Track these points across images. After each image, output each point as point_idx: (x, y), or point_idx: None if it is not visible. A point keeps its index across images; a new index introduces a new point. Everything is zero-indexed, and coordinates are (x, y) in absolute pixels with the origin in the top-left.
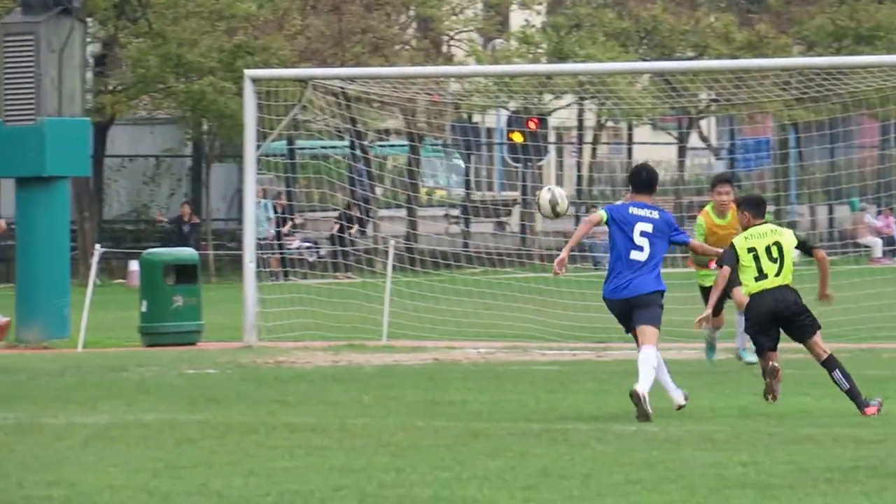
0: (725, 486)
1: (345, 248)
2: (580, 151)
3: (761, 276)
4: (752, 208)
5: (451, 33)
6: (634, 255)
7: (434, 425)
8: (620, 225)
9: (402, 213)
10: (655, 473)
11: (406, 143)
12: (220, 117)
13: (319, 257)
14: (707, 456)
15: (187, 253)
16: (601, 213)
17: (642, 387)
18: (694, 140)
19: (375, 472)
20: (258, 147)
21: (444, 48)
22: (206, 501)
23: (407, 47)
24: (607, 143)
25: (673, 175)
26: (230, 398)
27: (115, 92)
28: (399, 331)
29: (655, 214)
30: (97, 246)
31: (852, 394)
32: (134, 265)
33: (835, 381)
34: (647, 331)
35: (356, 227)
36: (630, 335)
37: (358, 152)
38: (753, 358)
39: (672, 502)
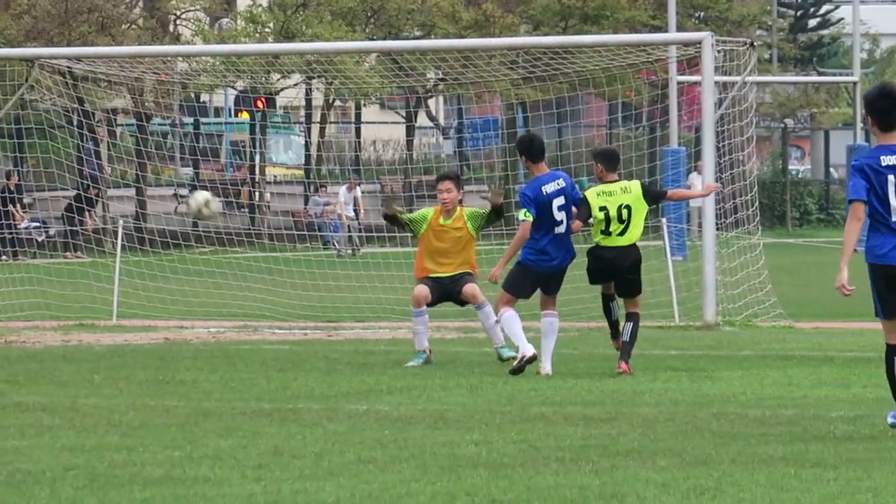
0: (458, 465)
1: (73, 228)
2: (308, 131)
3: (607, 232)
4: (605, 161)
5: (178, 13)
6: (558, 229)
7: (165, 404)
8: (540, 209)
9: (131, 192)
10: (387, 452)
11: (133, 122)
12: None
13: (48, 237)
14: (439, 435)
15: None
16: (526, 218)
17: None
18: (422, 119)
19: (106, 451)
20: None
21: (171, 27)
22: None
23: (134, 26)
24: (335, 123)
25: (402, 154)
26: None
27: None
28: (129, 310)
29: (562, 183)
30: None
31: (625, 348)
32: None
33: (625, 332)
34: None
35: (94, 205)
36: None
37: (85, 131)
38: (511, 353)
39: (405, 481)
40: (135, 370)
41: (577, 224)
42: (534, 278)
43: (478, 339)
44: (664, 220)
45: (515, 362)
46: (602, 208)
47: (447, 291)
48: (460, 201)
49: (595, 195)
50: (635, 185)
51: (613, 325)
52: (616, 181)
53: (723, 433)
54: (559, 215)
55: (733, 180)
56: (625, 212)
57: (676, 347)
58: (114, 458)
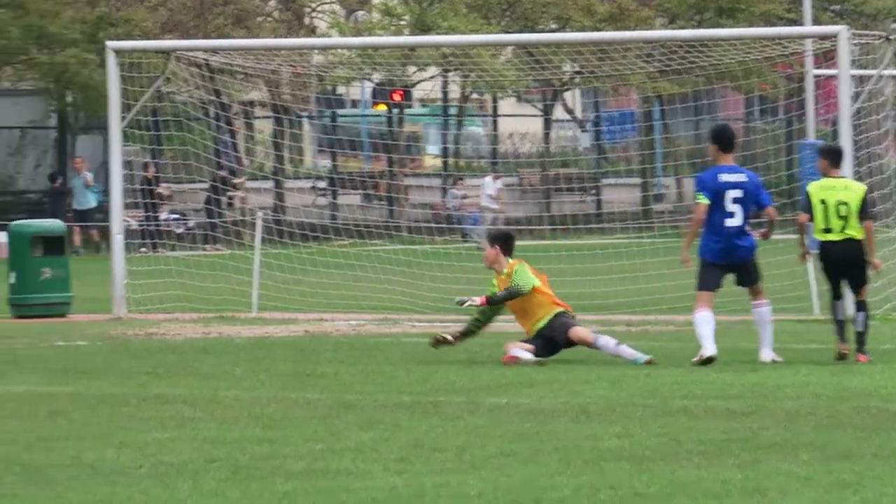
0: (601, 458)
1: (213, 220)
2: (445, 123)
3: (827, 227)
4: (830, 157)
5: (314, 5)
6: (729, 221)
7: (306, 397)
8: (713, 196)
9: (269, 184)
10: (530, 446)
11: (271, 114)
12: (83, 89)
13: (188, 229)
14: (582, 428)
15: (55, 224)
16: (700, 201)
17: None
18: (559, 112)
19: (248, 443)
20: (123, 118)
21: (307, 20)
22: (79, 473)
23: (269, 19)
24: (472, 115)
25: (539, 148)
26: (101, 370)
27: None
28: (269, 303)
29: (744, 178)
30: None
31: (860, 338)
32: (1, 237)
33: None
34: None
35: (236, 196)
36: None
37: (223, 124)
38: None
39: (548, 474)
40: (275, 363)
41: (802, 217)
42: (714, 269)
43: (616, 332)
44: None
45: (696, 358)
46: (822, 202)
47: (553, 343)
48: (506, 256)
49: (817, 189)
50: (859, 188)
51: (839, 325)
52: (840, 177)
53: (864, 427)
54: (732, 207)
55: (871, 174)
56: (843, 208)
57: (817, 341)
58: (256, 451)
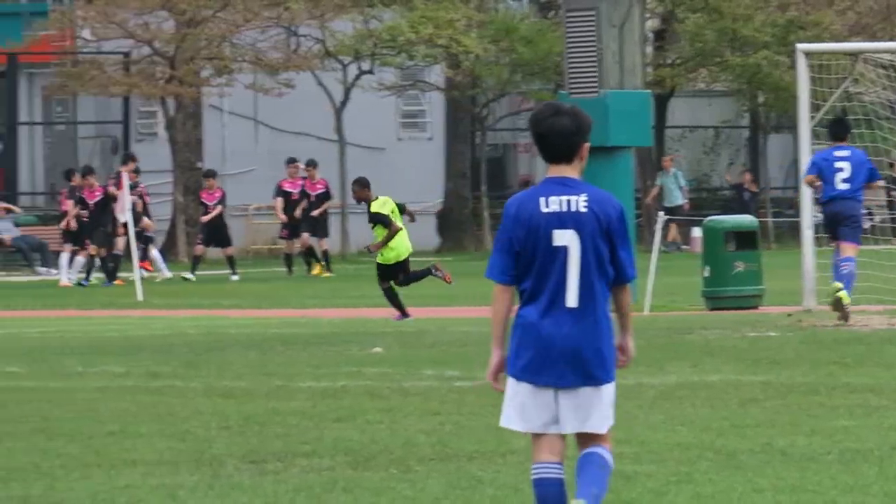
0: None
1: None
2: None
3: None
4: None
5: None
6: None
7: None
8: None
9: None
10: None
11: None
12: (774, 90)
13: (872, 224)
14: None
15: (747, 220)
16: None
17: None
18: None
19: None
20: (812, 118)
21: None
22: (770, 459)
23: None
24: None
25: None
26: (791, 360)
27: (674, 65)
28: None
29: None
30: (660, 214)
31: None
32: (696, 232)
33: None
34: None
35: None
36: None
37: None
38: None
39: None
40: None
41: None
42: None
43: None
44: None
45: None
46: None
47: None
48: None
49: None
50: None
51: None
52: None
53: None
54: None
55: None
56: None
57: None
58: None
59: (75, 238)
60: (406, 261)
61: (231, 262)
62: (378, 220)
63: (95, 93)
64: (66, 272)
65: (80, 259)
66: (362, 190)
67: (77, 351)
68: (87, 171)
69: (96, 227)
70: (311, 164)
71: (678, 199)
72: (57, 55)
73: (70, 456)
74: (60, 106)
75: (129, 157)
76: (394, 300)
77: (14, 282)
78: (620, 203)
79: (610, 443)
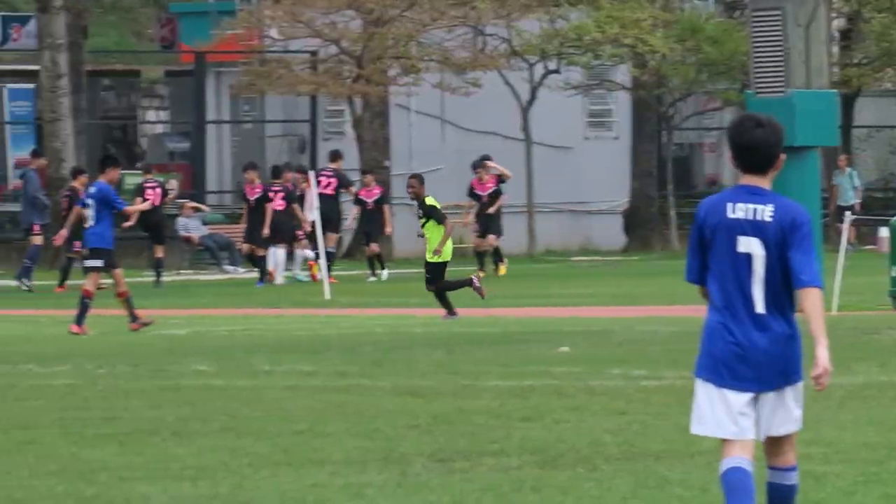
0: None
1: None
2: None
3: None
4: None
5: None
6: None
7: None
8: None
9: None
10: None
11: None
12: None
13: None
14: None
15: None
16: None
17: None
18: None
19: None
20: None
21: None
22: None
23: None
24: None
25: None
26: None
27: (861, 65)
28: None
29: None
30: (846, 214)
31: None
32: (883, 231)
33: None
34: None
35: None
36: None
37: None
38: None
39: None
40: None
41: None
42: None
43: None
44: None
45: None
46: None
47: None
48: None
49: None
50: None
51: None
52: None
53: None
54: None
55: None
56: None
57: None
58: None
59: (273, 235)
60: (446, 264)
61: (380, 259)
62: (432, 214)
63: (283, 92)
64: (281, 270)
65: (296, 253)
66: (421, 186)
67: (265, 349)
68: (279, 171)
69: (255, 225)
70: (483, 160)
71: (851, 198)
72: (244, 54)
73: (258, 454)
74: (248, 105)
75: (336, 155)
76: (443, 300)
77: (202, 280)
78: (808, 214)
79: (795, 452)
